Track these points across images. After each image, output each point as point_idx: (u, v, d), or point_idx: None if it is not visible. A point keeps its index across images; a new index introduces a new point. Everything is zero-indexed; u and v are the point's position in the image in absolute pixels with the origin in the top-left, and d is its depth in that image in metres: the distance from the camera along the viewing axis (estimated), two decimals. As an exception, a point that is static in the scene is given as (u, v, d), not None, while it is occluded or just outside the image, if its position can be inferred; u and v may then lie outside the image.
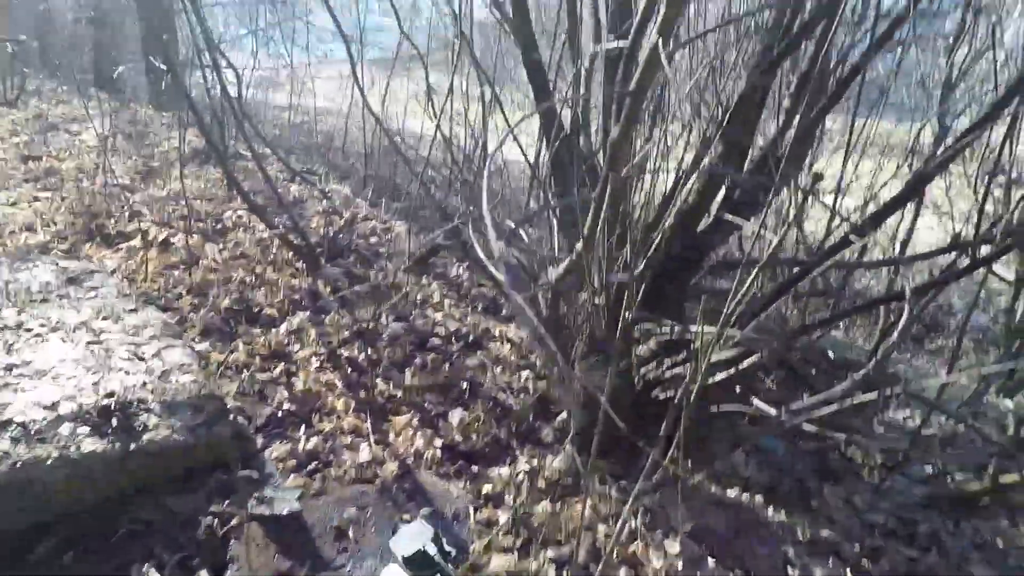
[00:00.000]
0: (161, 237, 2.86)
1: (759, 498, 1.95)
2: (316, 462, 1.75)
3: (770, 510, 1.89)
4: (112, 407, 1.48)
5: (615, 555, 1.63)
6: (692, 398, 1.71)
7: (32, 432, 1.36)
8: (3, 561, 1.26)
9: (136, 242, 2.82)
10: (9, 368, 1.54)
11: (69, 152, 4.19)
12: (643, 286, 2.12)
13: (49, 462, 1.31)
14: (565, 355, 2.23)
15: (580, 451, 2.03)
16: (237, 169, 3.88)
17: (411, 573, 0.99)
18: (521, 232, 2.26)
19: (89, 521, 1.39)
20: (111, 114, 5.16)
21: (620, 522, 1.43)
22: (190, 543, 1.38)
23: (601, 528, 1.72)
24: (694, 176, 1.94)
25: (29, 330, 1.74)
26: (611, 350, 2.02)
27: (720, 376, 1.77)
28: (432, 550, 0.91)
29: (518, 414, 2.16)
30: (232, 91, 3.32)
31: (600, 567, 1.55)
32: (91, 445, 1.38)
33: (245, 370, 2.08)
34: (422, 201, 3.71)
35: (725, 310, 1.40)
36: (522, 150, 2.38)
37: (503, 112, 2.49)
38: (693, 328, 1.91)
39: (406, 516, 1.62)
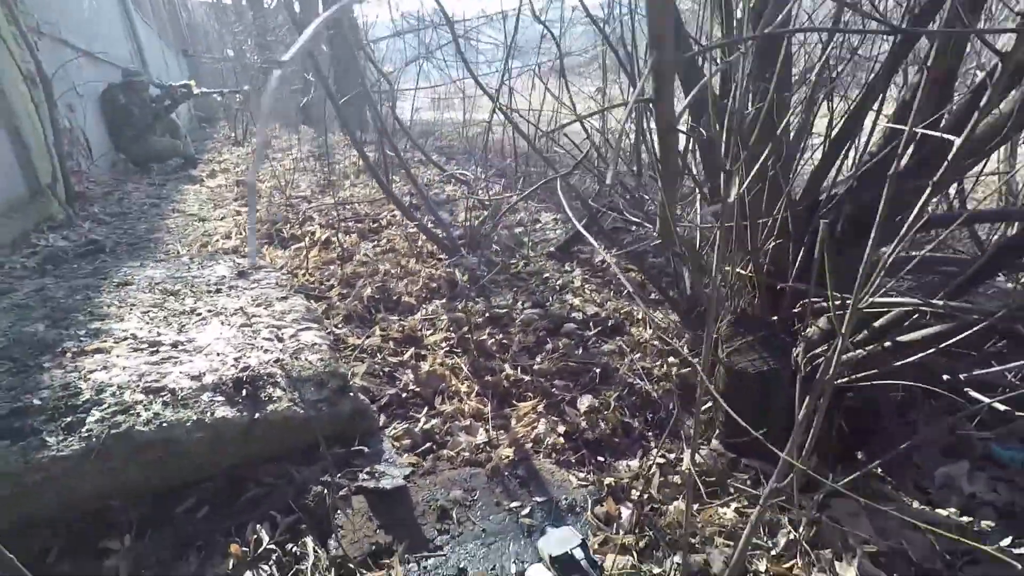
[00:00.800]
0: (324, 237, 3.14)
1: (986, 523, 1.45)
2: (431, 443, 1.71)
3: (999, 538, 1.40)
4: (244, 379, 1.59)
5: (763, 570, 1.32)
6: (855, 378, 1.35)
7: (180, 398, 1.50)
8: (152, 518, 1.39)
9: (305, 243, 3.12)
10: (175, 344, 1.74)
11: (271, 175, 4.86)
12: (808, 250, 1.74)
13: (188, 424, 1.43)
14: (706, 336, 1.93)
15: (728, 447, 1.72)
16: (401, 176, 4.16)
17: (556, 574, 1.00)
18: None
19: (222, 484, 1.49)
20: (308, 142, 5.90)
21: (797, 529, 1.13)
22: (303, 510, 1.41)
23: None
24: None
25: (199, 314, 1.97)
26: (763, 330, 1.69)
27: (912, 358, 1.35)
28: (580, 555, 0.93)
29: (660, 403, 1.91)
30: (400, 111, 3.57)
31: (742, 585, 1.26)
32: (223, 412, 1.49)
33: (378, 353, 2.13)
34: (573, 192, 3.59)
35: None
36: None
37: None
38: (873, 299, 1.50)
39: (515, 504, 1.49)
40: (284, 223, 3.36)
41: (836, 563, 1.35)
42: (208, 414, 1.47)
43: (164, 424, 1.41)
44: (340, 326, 2.28)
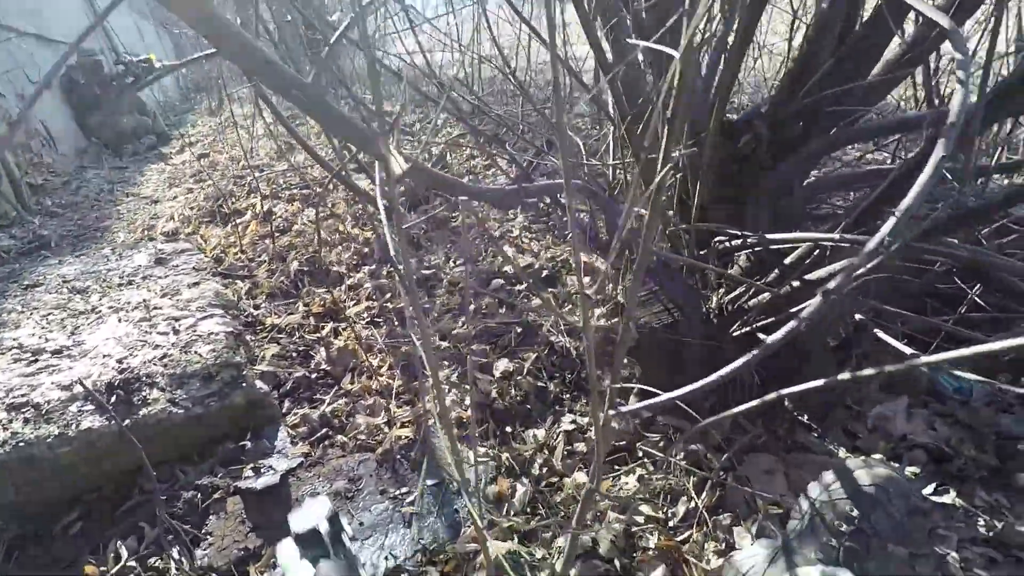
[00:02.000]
0: (266, 209, 3.01)
1: (911, 470, 1.30)
2: (327, 428, 1.62)
3: (922, 486, 1.25)
4: (116, 384, 1.52)
5: (652, 547, 1.21)
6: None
7: (44, 412, 1.44)
8: (30, 536, 1.36)
9: (247, 216, 3.01)
10: (59, 351, 1.68)
11: (233, 145, 4.72)
12: (719, 178, 1.54)
13: (50, 440, 1.38)
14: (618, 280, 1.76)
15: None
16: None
17: (301, 550, 0.89)
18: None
19: (106, 494, 1.45)
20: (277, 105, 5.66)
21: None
22: (177, 517, 1.36)
23: (645, 509, 1.30)
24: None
25: (97, 312, 1.90)
26: (668, 278, 1.51)
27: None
28: (324, 528, 0.81)
29: (580, 359, 1.78)
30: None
31: (622, 562, 1.16)
32: (89, 422, 1.42)
33: (297, 331, 2.04)
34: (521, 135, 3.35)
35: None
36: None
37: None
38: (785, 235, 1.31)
39: (402, 491, 1.41)
40: (229, 197, 3.24)
41: (734, 528, 1.23)
42: (73, 426, 1.41)
43: (22, 443, 1.36)
44: (261, 305, 2.19)
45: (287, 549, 0.94)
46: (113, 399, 1.48)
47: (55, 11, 5.72)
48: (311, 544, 0.91)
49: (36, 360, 1.63)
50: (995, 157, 1.87)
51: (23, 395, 1.48)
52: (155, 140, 5.77)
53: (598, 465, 0.81)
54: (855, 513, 0.96)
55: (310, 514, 0.92)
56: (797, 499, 1.11)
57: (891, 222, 0.69)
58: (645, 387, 1.11)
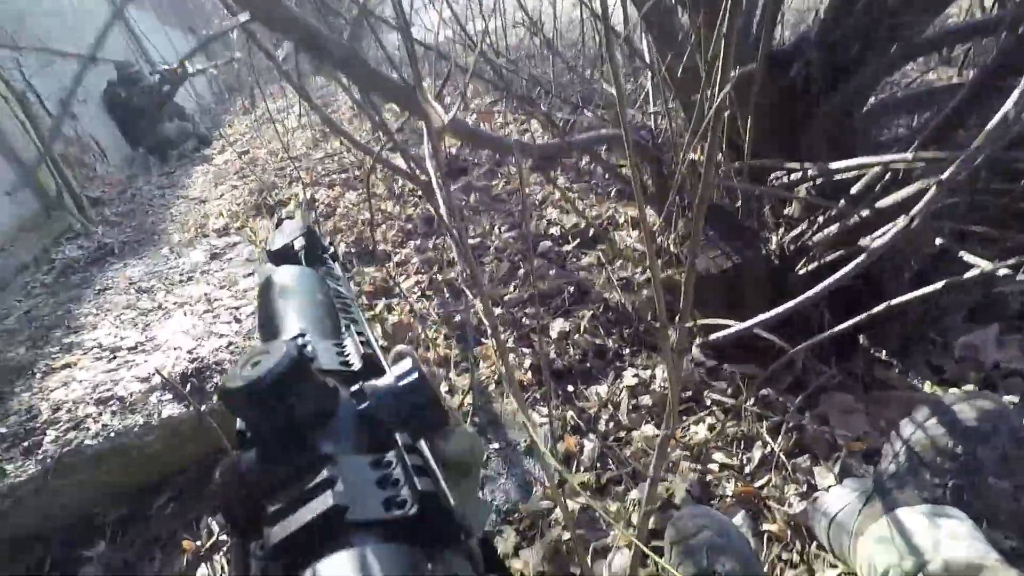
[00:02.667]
0: (309, 196, 3.06)
1: (1009, 398, 1.22)
2: (391, 401, 1.65)
3: (1020, 415, 1.16)
4: (189, 373, 1.58)
5: (730, 494, 1.18)
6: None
7: (128, 404, 1.52)
8: (130, 517, 1.44)
9: (291, 206, 3.07)
10: (134, 347, 1.76)
11: (270, 140, 4.80)
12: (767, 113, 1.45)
13: (136, 429, 1.45)
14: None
15: (708, 354, 1.55)
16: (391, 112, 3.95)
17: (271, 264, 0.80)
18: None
19: (193, 475, 1.53)
20: (314, 94, 5.72)
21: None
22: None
23: (719, 457, 1.27)
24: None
25: (164, 309, 1.98)
26: (724, 220, 1.45)
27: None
28: (299, 244, 0.70)
29: (636, 314, 1.74)
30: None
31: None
32: (170, 410, 1.49)
33: (352, 312, 2.08)
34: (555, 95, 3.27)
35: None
36: None
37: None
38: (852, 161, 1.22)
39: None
40: (271, 189, 3.30)
41: (815, 469, 1.19)
42: (156, 415, 1.48)
43: (112, 434, 1.43)
44: (314, 290, 2.23)
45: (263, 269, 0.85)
46: (188, 387, 1.54)
47: (91, 32, 5.91)
48: (285, 261, 0.77)
49: (115, 357, 1.71)
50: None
51: (108, 390, 1.56)
52: (197, 143, 5.94)
53: (674, 406, 0.78)
54: (959, 450, 0.90)
55: (286, 232, 0.81)
56: (887, 439, 1.05)
57: (994, 121, 0.62)
58: (716, 320, 1.07)
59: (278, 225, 0.82)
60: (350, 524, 0.26)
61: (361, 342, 0.45)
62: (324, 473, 0.28)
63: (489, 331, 0.86)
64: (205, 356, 1.65)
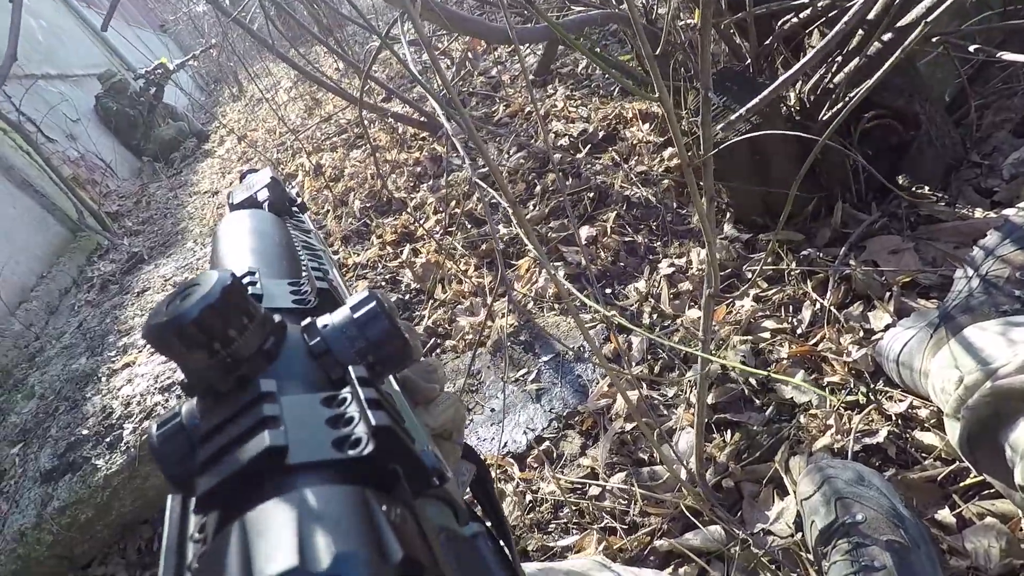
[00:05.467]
0: (315, 164, 3.04)
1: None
2: (435, 337, 1.67)
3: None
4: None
5: (785, 357, 1.17)
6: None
7: (189, 386, 1.58)
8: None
9: (300, 177, 3.06)
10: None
11: (264, 119, 4.75)
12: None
13: (203, 408, 1.51)
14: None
15: (741, 229, 1.50)
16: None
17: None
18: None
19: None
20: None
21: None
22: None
23: (768, 324, 1.25)
24: None
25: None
26: (734, 81, 1.37)
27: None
28: (263, 196, 0.68)
29: (660, 207, 1.69)
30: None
31: (758, 380, 1.13)
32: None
33: (379, 263, 2.09)
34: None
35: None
36: None
37: None
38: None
39: (521, 373, 1.44)
40: (277, 164, 3.29)
41: (869, 315, 1.16)
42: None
43: (181, 415, 1.50)
44: (339, 251, 2.25)
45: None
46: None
47: (67, 49, 5.87)
48: (246, 205, 0.72)
49: (167, 348, 1.77)
50: None
51: (168, 378, 1.63)
52: (195, 141, 5.93)
53: (712, 263, 0.76)
54: None
55: (249, 185, 0.76)
56: (949, 269, 1.00)
57: None
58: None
59: (241, 179, 0.77)
60: (293, 467, 0.23)
61: (318, 279, 0.42)
62: (263, 411, 0.25)
63: (525, 239, 0.84)
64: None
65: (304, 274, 0.43)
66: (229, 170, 4.09)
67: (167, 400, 1.56)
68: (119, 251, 3.49)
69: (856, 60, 1.19)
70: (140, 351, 1.83)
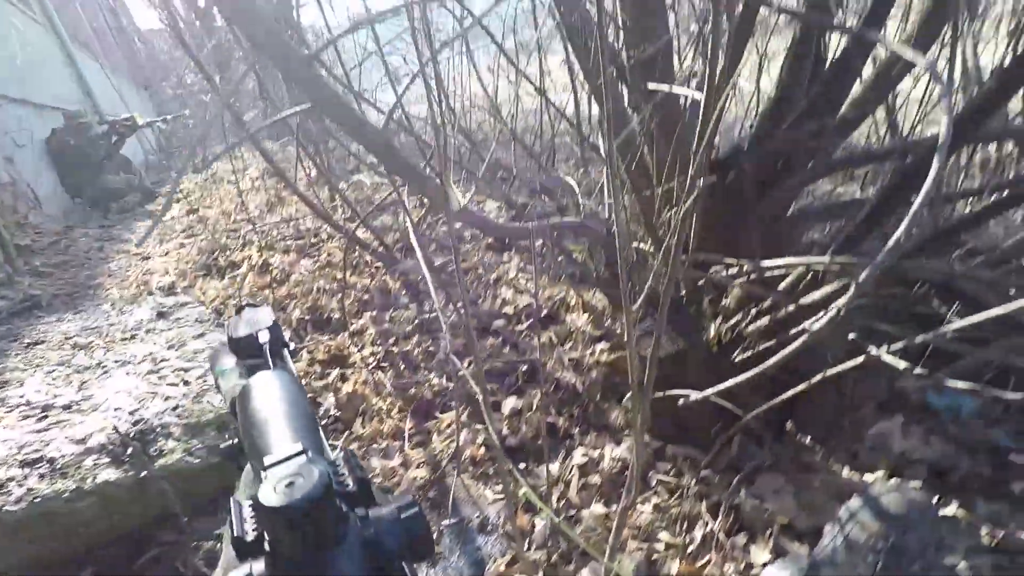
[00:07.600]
0: (262, 260, 3.05)
1: (914, 484, 1.36)
2: (342, 472, 1.63)
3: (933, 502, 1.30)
4: (132, 435, 1.52)
5: (674, 574, 1.24)
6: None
7: (59, 467, 1.43)
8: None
9: (243, 269, 3.04)
10: (69, 405, 1.68)
11: (219, 199, 4.77)
12: (709, 214, 1.64)
13: (66, 495, 1.37)
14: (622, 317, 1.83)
15: (653, 436, 1.64)
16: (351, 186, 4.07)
17: (237, 358, 0.76)
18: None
19: (123, 548, 1.44)
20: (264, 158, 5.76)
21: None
22: (193, 568, 1.35)
23: (664, 536, 1.33)
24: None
25: (103, 367, 1.90)
26: (671, 311, 1.59)
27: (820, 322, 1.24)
28: (264, 338, 0.71)
29: (584, 396, 1.83)
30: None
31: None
32: (107, 475, 1.42)
33: (304, 379, 2.06)
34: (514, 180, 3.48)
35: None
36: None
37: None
38: (776, 261, 1.40)
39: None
40: (222, 250, 3.28)
41: (751, 547, 1.27)
42: (89, 480, 1.41)
43: (38, 499, 1.35)
44: (264, 356, 2.20)
45: (222, 356, 0.83)
46: (129, 451, 1.48)
47: (39, 78, 5.83)
48: (247, 351, 0.79)
49: (46, 416, 1.62)
50: (958, 183, 2.02)
51: (36, 451, 1.47)
52: (140, 198, 5.81)
53: (636, 474, 0.85)
54: (891, 535, 1.01)
55: (249, 321, 0.80)
56: (821, 521, 1.15)
57: (895, 236, 0.77)
58: (677, 391, 1.16)
59: (239, 311, 0.82)
60: None
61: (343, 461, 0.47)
62: None
63: (480, 397, 0.92)
64: (149, 418, 1.59)
65: (337, 454, 0.49)
66: (169, 239, 4.00)
67: (25, 476, 1.40)
68: (14, 288, 3.23)
69: (766, 318, 1.43)
70: (11, 411, 1.66)
